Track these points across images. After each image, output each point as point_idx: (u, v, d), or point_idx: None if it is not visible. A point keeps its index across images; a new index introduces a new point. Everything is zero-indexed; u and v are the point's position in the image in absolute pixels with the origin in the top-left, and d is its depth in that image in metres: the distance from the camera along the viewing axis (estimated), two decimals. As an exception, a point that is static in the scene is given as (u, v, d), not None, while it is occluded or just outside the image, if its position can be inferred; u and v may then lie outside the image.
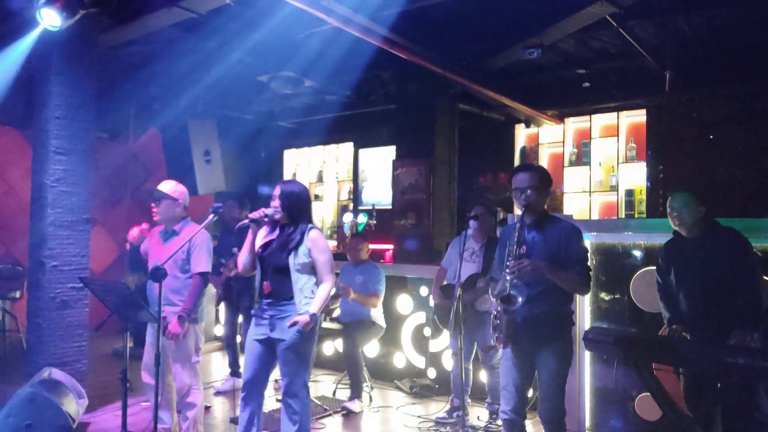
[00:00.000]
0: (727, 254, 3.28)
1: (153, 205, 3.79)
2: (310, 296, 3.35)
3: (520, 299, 2.89)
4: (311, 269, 3.38)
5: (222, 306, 5.74)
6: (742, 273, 3.23)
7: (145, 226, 3.82)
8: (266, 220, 3.37)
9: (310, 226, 3.43)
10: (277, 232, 3.43)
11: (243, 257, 3.41)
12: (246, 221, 3.33)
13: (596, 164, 7.68)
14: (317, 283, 3.40)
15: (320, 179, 9.85)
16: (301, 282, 3.33)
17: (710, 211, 3.46)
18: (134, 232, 3.86)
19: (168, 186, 3.82)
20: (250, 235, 3.37)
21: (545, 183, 3.14)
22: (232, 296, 5.48)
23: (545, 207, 3.19)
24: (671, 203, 3.43)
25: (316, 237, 3.39)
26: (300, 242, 3.35)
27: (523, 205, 3.08)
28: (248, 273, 3.46)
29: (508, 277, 2.90)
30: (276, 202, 3.38)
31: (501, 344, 3.07)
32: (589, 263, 3.08)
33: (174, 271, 3.70)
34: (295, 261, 3.32)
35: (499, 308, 3.00)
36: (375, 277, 5.17)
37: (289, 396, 3.34)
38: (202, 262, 3.71)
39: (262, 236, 3.46)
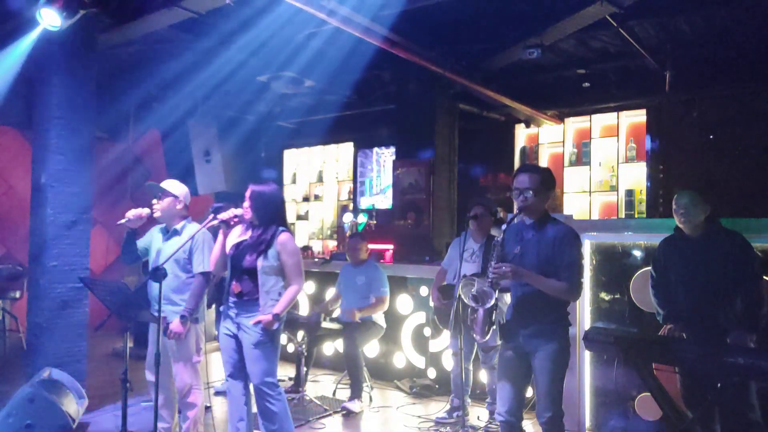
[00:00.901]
0: (731, 256, 3.27)
1: (155, 201, 3.78)
2: (277, 298, 3.36)
3: (494, 297, 2.93)
4: (280, 272, 3.40)
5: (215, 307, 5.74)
6: (744, 276, 3.23)
7: (146, 210, 3.77)
8: (235, 220, 3.38)
9: (281, 228, 3.43)
10: (249, 232, 3.45)
11: (214, 257, 3.45)
12: (215, 222, 3.34)
13: (596, 164, 7.68)
14: (285, 286, 3.42)
15: (320, 179, 9.85)
16: (268, 284, 3.35)
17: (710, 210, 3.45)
18: (134, 211, 3.75)
19: (170, 184, 3.82)
20: (221, 236, 3.41)
21: (546, 185, 3.12)
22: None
23: (545, 208, 3.17)
24: (678, 200, 3.41)
25: (286, 240, 3.40)
26: (269, 245, 3.36)
27: (520, 207, 3.07)
28: (220, 273, 3.50)
29: (489, 277, 2.92)
30: (246, 203, 3.40)
31: (479, 336, 3.11)
32: (581, 269, 3.04)
33: (175, 271, 3.70)
34: (263, 263, 3.34)
35: (470, 305, 3.06)
36: (377, 279, 5.16)
37: (262, 397, 3.35)
38: (204, 262, 3.70)
39: (236, 235, 3.48)
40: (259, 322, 3.29)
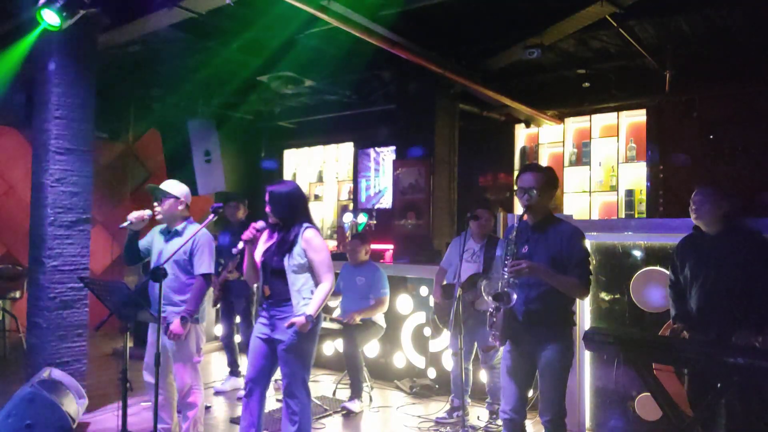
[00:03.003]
0: (747, 254, 3.22)
1: (156, 204, 3.78)
2: (309, 296, 3.33)
3: (514, 296, 2.90)
4: (308, 269, 3.36)
5: (219, 306, 5.76)
6: (760, 275, 3.17)
7: (148, 212, 3.77)
8: (259, 235, 3.37)
9: (305, 225, 3.39)
10: (275, 235, 3.44)
11: (248, 274, 3.47)
12: (240, 247, 3.33)
13: (596, 164, 7.68)
14: (317, 284, 3.38)
15: (320, 179, 9.86)
16: (298, 283, 3.32)
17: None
18: (135, 213, 3.76)
19: (171, 185, 3.81)
20: (247, 254, 3.40)
21: (550, 184, 3.13)
22: (229, 297, 5.49)
23: (549, 207, 3.18)
24: (693, 197, 3.37)
25: (311, 237, 3.36)
26: (293, 244, 3.34)
27: (525, 206, 3.08)
28: (253, 284, 3.55)
29: (506, 276, 2.91)
30: (268, 207, 3.40)
31: (498, 341, 3.09)
32: (590, 266, 3.06)
33: (176, 272, 3.69)
34: (290, 262, 3.31)
35: (492, 306, 3.02)
36: (378, 280, 5.15)
37: (289, 396, 3.35)
38: (205, 263, 3.70)
39: (264, 241, 3.47)
40: (292, 324, 3.25)
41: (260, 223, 3.35)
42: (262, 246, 3.45)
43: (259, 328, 3.44)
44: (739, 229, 3.34)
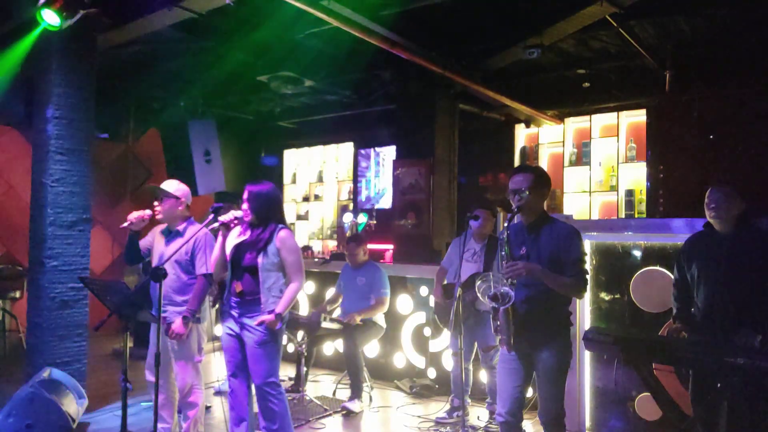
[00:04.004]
0: (760, 254, 3.16)
1: (156, 203, 3.78)
2: (278, 295, 3.38)
3: (512, 294, 2.89)
4: (281, 268, 3.42)
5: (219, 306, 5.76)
6: None
7: (148, 212, 3.78)
8: (236, 222, 3.39)
9: (280, 226, 3.46)
10: (249, 232, 3.46)
11: (214, 259, 3.47)
12: (215, 225, 3.35)
13: (596, 164, 7.68)
14: (287, 284, 3.43)
15: (320, 179, 9.85)
16: (269, 282, 3.37)
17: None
18: (136, 214, 3.77)
19: (171, 185, 3.81)
20: (220, 238, 3.42)
21: (541, 184, 3.12)
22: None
23: (544, 208, 3.18)
24: (710, 195, 3.29)
25: (285, 237, 3.42)
26: (268, 242, 3.38)
27: (517, 207, 3.07)
28: (220, 275, 3.51)
29: (505, 279, 2.91)
30: (245, 205, 3.42)
31: (504, 346, 3.06)
32: (586, 266, 3.04)
33: (177, 272, 3.70)
34: (264, 261, 3.36)
35: (490, 307, 3.02)
36: (378, 280, 5.15)
37: (263, 397, 3.37)
38: (207, 263, 3.71)
39: (235, 235, 3.49)
40: (262, 322, 3.30)
41: (240, 212, 3.40)
42: (233, 240, 3.47)
43: (229, 325, 3.46)
44: (752, 229, 3.27)
